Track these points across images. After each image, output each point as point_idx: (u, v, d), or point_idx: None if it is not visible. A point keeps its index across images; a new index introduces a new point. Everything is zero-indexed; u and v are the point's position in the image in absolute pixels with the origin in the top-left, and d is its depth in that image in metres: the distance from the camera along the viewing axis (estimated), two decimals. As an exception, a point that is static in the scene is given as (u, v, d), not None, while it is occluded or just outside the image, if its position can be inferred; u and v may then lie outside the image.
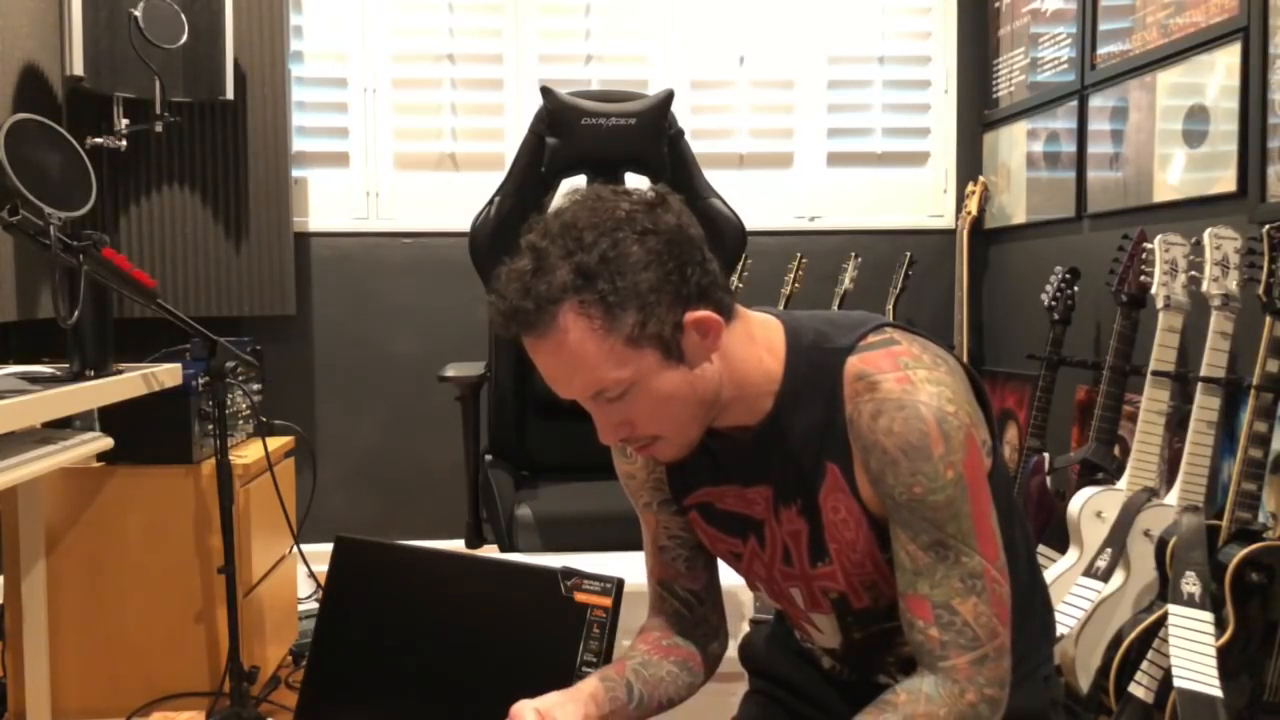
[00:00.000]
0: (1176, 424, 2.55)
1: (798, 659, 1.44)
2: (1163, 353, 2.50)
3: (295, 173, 3.73)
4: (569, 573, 1.42)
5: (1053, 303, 3.02)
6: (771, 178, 3.94)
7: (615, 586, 1.39)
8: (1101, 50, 3.11)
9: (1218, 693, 2.00)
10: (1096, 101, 3.14)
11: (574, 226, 1.11)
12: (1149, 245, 2.57)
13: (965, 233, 3.79)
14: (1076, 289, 3.02)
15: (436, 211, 3.80)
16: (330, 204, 3.81)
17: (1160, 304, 2.50)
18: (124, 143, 3.22)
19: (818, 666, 1.41)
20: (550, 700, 1.23)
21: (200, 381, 2.45)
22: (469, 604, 1.50)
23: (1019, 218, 3.65)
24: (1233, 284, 2.33)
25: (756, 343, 1.21)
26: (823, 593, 1.27)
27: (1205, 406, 2.31)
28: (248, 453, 2.65)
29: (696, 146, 2.75)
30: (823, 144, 3.96)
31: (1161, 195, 2.81)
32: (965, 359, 3.64)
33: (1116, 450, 2.72)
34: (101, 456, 2.33)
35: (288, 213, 3.62)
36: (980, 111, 3.93)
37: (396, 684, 1.52)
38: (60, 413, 1.94)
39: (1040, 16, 3.49)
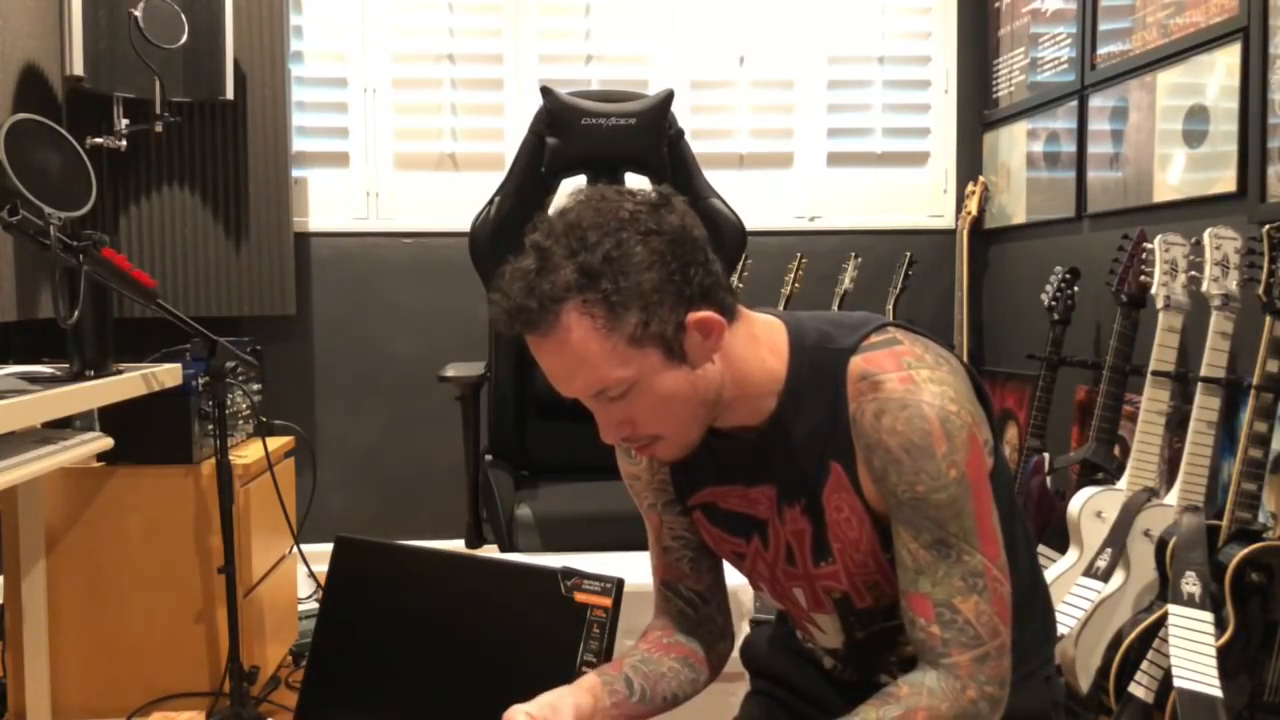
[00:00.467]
0: (1176, 424, 2.55)
1: (799, 659, 1.44)
2: (1163, 353, 2.50)
3: (295, 173, 3.73)
4: (569, 573, 1.42)
5: (1053, 303, 3.02)
6: (771, 178, 3.94)
7: (615, 586, 1.39)
8: (1101, 50, 3.11)
9: (1218, 693, 2.00)
10: (1096, 101, 3.14)
11: (578, 226, 1.11)
12: (1149, 245, 2.57)
13: (965, 233, 3.79)
14: (1076, 289, 3.02)
15: (436, 211, 3.80)
16: (330, 204, 3.81)
17: (1160, 304, 2.50)
18: (124, 143, 3.21)
19: (819, 667, 1.41)
20: (543, 699, 1.23)
21: (200, 381, 2.45)
22: (469, 604, 1.50)
23: (1019, 218, 3.65)
24: (1233, 284, 2.33)
25: (759, 343, 1.21)
26: (825, 592, 1.27)
27: (1205, 406, 2.31)
28: (248, 453, 2.65)
29: (696, 146, 2.75)
30: (823, 144, 3.96)
31: (1161, 195, 2.81)
32: (965, 359, 3.63)
33: (1116, 450, 2.72)
34: (101, 456, 2.33)
35: (288, 213, 3.62)
36: (980, 111, 3.93)
37: (396, 684, 1.52)
38: (60, 413, 1.94)
39: (1040, 16, 3.49)
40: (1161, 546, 2.21)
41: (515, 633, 1.44)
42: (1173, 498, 2.35)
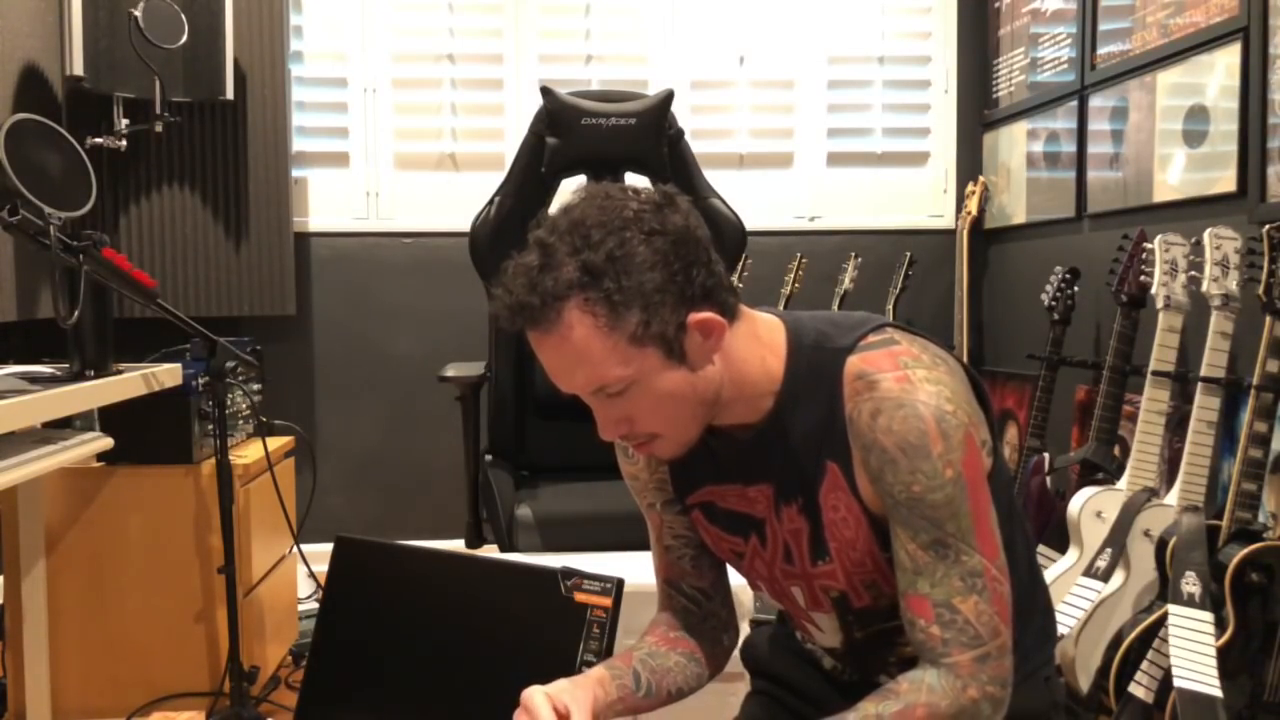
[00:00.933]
0: (1176, 424, 2.55)
1: (799, 659, 1.44)
2: (1163, 353, 2.50)
3: (295, 173, 3.73)
4: (569, 573, 1.42)
5: (1053, 303, 3.02)
6: (771, 178, 3.94)
7: (615, 586, 1.39)
8: (1101, 50, 3.11)
9: (1218, 693, 2.00)
10: (1096, 101, 3.14)
11: (582, 224, 1.12)
12: (1149, 245, 2.57)
13: (965, 233, 3.79)
14: (1076, 289, 3.02)
15: (436, 211, 3.80)
16: (330, 204, 3.81)
17: (1160, 304, 2.50)
18: (124, 143, 3.21)
19: (819, 667, 1.41)
20: (559, 685, 1.24)
21: (200, 381, 2.45)
22: (469, 604, 1.50)
23: (1019, 218, 3.65)
24: (1233, 284, 2.33)
25: (760, 342, 1.22)
26: (823, 591, 1.27)
27: (1205, 406, 2.31)
28: (248, 453, 2.65)
29: (696, 146, 2.75)
30: (823, 144, 3.96)
31: (1161, 195, 2.81)
32: (965, 359, 3.64)
33: (1116, 450, 2.72)
34: (101, 456, 2.33)
35: (288, 213, 3.62)
36: (980, 111, 3.93)
37: (396, 684, 1.52)
38: (60, 413, 1.94)
39: (1040, 16, 3.49)
40: (1161, 546, 2.22)
41: (515, 633, 1.44)
42: (1173, 498, 2.35)
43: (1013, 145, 3.69)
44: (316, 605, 1.83)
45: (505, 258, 1.16)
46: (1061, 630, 2.35)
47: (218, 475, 2.30)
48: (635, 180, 2.66)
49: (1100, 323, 3.09)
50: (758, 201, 3.79)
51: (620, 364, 1.12)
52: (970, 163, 3.97)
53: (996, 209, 3.82)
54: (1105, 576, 2.38)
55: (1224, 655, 2.04)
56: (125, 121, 3.19)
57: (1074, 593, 2.40)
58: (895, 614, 1.25)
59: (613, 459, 1.42)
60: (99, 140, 3.16)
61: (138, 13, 2.99)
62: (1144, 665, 2.17)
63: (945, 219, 3.99)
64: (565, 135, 2.59)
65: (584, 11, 3.88)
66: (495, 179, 2.71)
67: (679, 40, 3.88)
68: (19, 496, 2.27)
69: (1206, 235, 2.35)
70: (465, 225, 2.65)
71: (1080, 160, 3.22)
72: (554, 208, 1.19)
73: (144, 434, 2.42)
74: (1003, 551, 1.17)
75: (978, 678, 1.13)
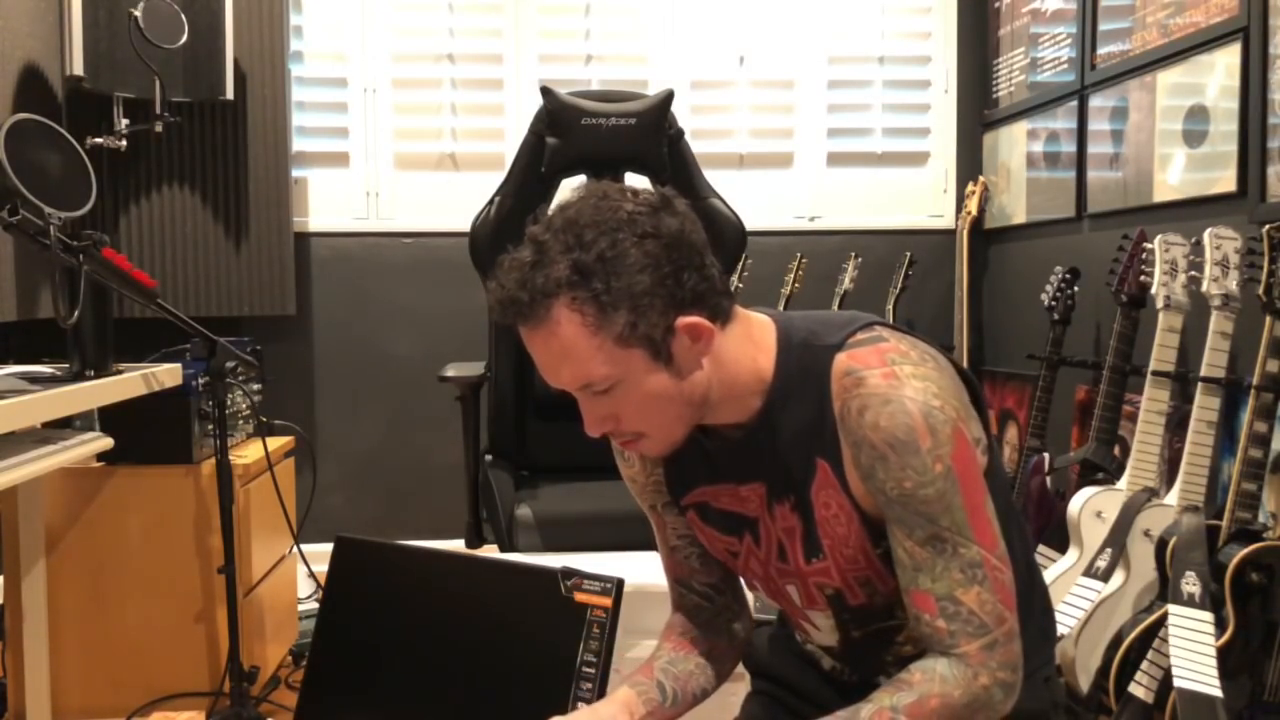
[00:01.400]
0: (1176, 424, 2.55)
1: (799, 660, 1.44)
2: (1163, 353, 2.50)
3: (295, 173, 3.73)
4: (569, 573, 1.42)
5: (1053, 303, 3.02)
6: (771, 178, 3.94)
7: (615, 586, 1.39)
8: (1101, 50, 3.11)
9: (1218, 693, 2.00)
10: (1096, 101, 3.14)
11: (576, 223, 1.13)
12: (1149, 245, 2.57)
13: (965, 233, 3.79)
14: (1076, 289, 3.02)
15: (436, 211, 3.80)
16: (330, 204, 3.81)
17: (1160, 304, 2.50)
18: (124, 143, 3.21)
19: (818, 667, 1.42)
20: (586, 714, 1.25)
21: (200, 381, 2.45)
22: (469, 604, 1.50)
23: (1019, 218, 3.65)
24: (1233, 284, 2.33)
25: (751, 343, 1.23)
26: (818, 589, 1.28)
27: (1205, 406, 2.31)
28: (248, 453, 2.65)
29: (696, 146, 2.75)
30: (823, 144, 3.96)
31: (1161, 195, 2.81)
32: (965, 359, 3.64)
33: (1116, 450, 2.72)
34: (101, 456, 2.33)
35: (288, 213, 3.62)
36: (980, 111, 3.93)
37: (396, 684, 1.52)
38: (60, 413, 1.94)
39: (1040, 16, 3.49)
40: (1161, 546, 2.21)
41: (515, 633, 1.44)
42: (1173, 498, 2.35)
43: (1013, 145, 3.69)
44: (316, 605, 1.83)
45: (509, 246, 1.17)
46: (1061, 630, 2.35)
47: (218, 475, 2.30)
48: (635, 180, 2.66)
49: (1100, 323, 3.09)
50: (758, 201, 3.79)
51: (605, 363, 1.13)
52: (970, 163, 3.97)
53: (996, 209, 3.82)
54: (1105, 576, 2.38)
55: (1224, 655, 2.04)
56: (125, 121, 3.19)
57: (1074, 593, 2.40)
58: (892, 613, 1.27)
59: (613, 459, 1.42)
60: (99, 140, 3.16)
61: (138, 13, 2.99)
62: (1144, 665, 2.17)
63: (945, 219, 3.99)
64: (565, 135, 2.59)
65: (584, 11, 3.88)
66: (495, 179, 2.71)
67: (679, 40, 3.88)
68: (19, 496, 2.27)
69: (1206, 235, 2.35)
70: (465, 225, 2.65)
71: (1080, 160, 3.22)
72: (554, 204, 1.20)
73: (144, 434, 2.42)
74: (1001, 540, 1.17)
75: (987, 665, 1.14)
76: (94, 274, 1.98)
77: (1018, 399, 3.57)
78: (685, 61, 3.87)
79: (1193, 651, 2.05)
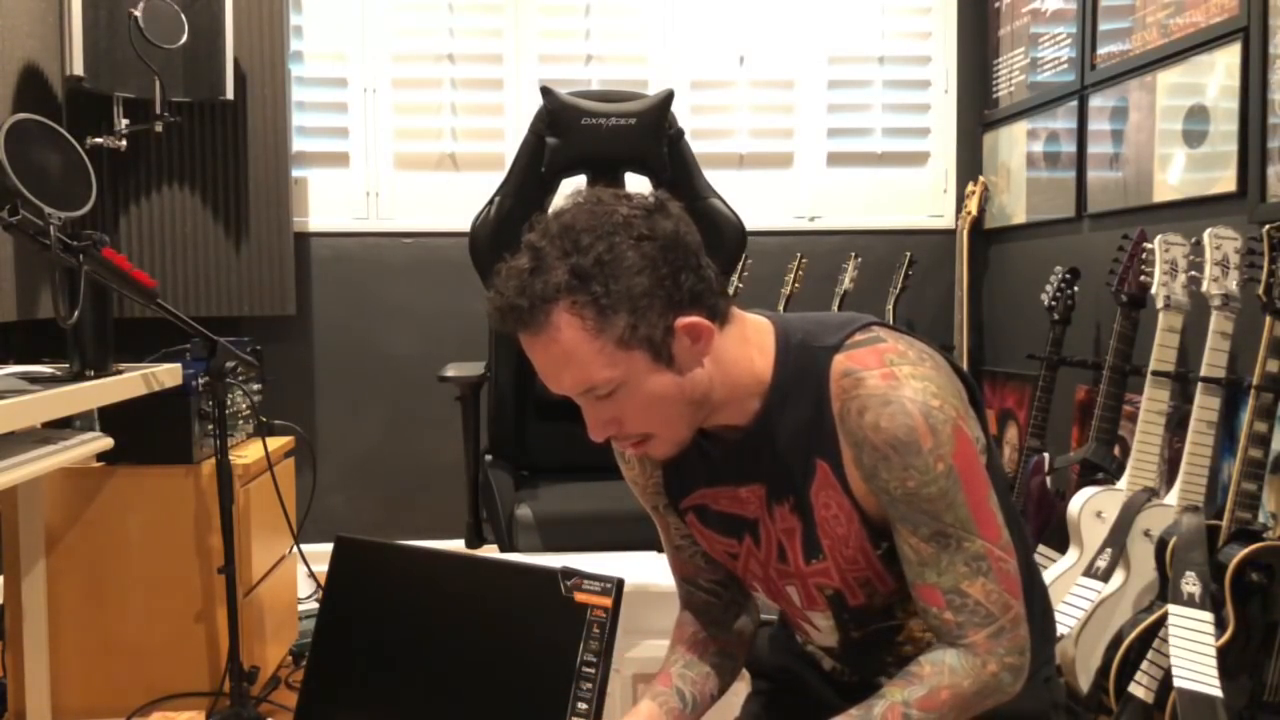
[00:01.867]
0: (1176, 424, 2.55)
1: (799, 660, 1.45)
2: (1163, 353, 2.50)
3: (295, 173, 3.73)
4: (569, 573, 1.42)
5: (1053, 303, 3.02)
6: (771, 178, 3.94)
7: (615, 586, 1.39)
8: (1101, 50, 3.11)
9: (1218, 693, 2.00)
10: (1096, 101, 3.14)
11: (572, 228, 1.13)
12: (1149, 245, 2.57)
13: (965, 233, 3.79)
14: (1076, 289, 3.02)
15: (436, 211, 3.80)
16: (330, 204, 3.81)
17: (1160, 304, 2.50)
18: (124, 143, 3.21)
19: (818, 668, 1.42)
20: None
21: (200, 381, 2.45)
22: (469, 604, 1.50)
23: (1019, 218, 3.65)
24: (1233, 284, 2.33)
25: (749, 344, 1.23)
26: (818, 589, 1.28)
27: (1205, 406, 2.31)
28: (248, 453, 2.65)
29: (696, 146, 2.75)
30: (823, 144, 3.96)
31: (1161, 195, 2.81)
32: (965, 359, 3.65)
33: (1116, 450, 2.72)
34: (101, 456, 2.33)
35: (288, 213, 3.62)
36: (980, 111, 3.93)
37: (396, 684, 1.52)
38: (60, 413, 1.94)
39: (1040, 16, 3.48)
40: (1161, 546, 2.21)
41: (515, 633, 1.44)
42: (1173, 498, 2.35)
43: (1013, 145, 3.69)
44: (316, 605, 1.83)
45: (506, 254, 1.17)
46: (1061, 630, 2.35)
47: (218, 475, 2.30)
48: (635, 180, 2.66)
49: (1100, 323, 3.09)
50: (758, 201, 3.78)
51: (607, 366, 1.13)
52: (970, 163, 3.97)
53: (996, 209, 3.82)
54: (1105, 576, 2.38)
55: (1224, 655, 2.04)
56: (125, 121, 3.19)
57: (1074, 593, 2.40)
58: (891, 613, 1.27)
59: (613, 459, 1.42)
60: (99, 140, 3.16)
61: (138, 13, 2.99)
62: (1144, 665, 2.17)
63: (945, 219, 3.99)
64: (565, 135, 2.59)
65: (584, 11, 3.88)
66: (495, 179, 2.71)
67: (679, 40, 3.88)
68: (19, 496, 2.27)
69: (1206, 235, 2.35)
70: (465, 225, 2.65)
71: (1080, 160, 3.22)
72: (549, 211, 1.20)
73: (144, 434, 2.42)
74: (1005, 530, 1.19)
75: (995, 652, 1.16)
76: (94, 274, 1.98)
77: (1018, 399, 3.57)
78: (685, 61, 3.87)
79: (1193, 651, 2.05)
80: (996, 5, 3.82)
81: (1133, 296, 2.67)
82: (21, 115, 1.95)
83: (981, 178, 3.87)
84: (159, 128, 3.17)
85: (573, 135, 2.59)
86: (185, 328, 2.28)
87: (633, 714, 1.33)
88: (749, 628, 1.45)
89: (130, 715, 2.43)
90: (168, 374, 2.27)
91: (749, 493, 1.28)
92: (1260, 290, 2.17)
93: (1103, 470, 2.69)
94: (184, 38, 3.12)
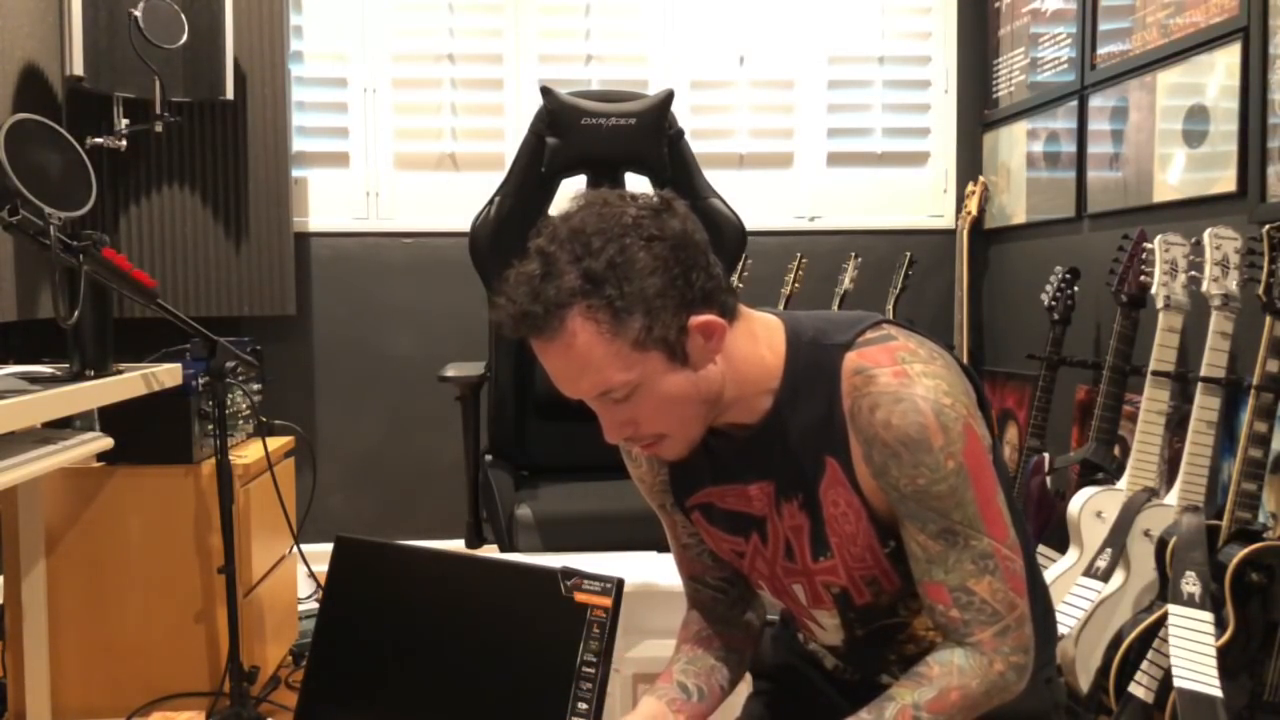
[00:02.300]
0: (1176, 424, 2.55)
1: (801, 660, 1.45)
2: (1163, 353, 2.50)
3: (295, 173, 3.73)
4: (569, 573, 1.42)
5: (1053, 303, 3.02)
6: (771, 178, 3.94)
7: (615, 586, 1.39)
8: (1101, 50, 3.11)
9: (1218, 693, 2.00)
10: (1096, 101, 3.14)
11: (582, 232, 1.12)
12: (1149, 245, 2.57)
13: (965, 233, 3.79)
14: (1076, 289, 3.01)
15: (436, 211, 3.80)
16: (330, 204, 3.81)
17: (1160, 304, 2.50)
18: (124, 143, 3.21)
19: (821, 667, 1.42)
20: None
21: (200, 381, 2.45)
22: (469, 604, 1.50)
23: (1019, 218, 3.65)
24: (1233, 284, 2.33)
25: (759, 342, 1.23)
26: (825, 587, 1.28)
27: (1205, 406, 2.31)
28: (248, 453, 2.65)
29: (696, 146, 2.75)
30: (823, 144, 3.96)
31: (1161, 195, 2.81)
32: (965, 359, 3.64)
33: (1116, 450, 2.72)
34: (101, 456, 2.33)
35: (288, 213, 3.62)
36: (980, 111, 3.93)
37: (396, 684, 1.52)
38: (60, 413, 1.94)
39: (1040, 16, 3.49)
40: (1161, 546, 2.21)
41: (515, 633, 1.44)
42: (1173, 498, 2.34)
43: (1013, 145, 3.69)
44: (316, 605, 1.83)
45: (505, 258, 1.17)
46: (1061, 630, 2.35)
47: (218, 475, 2.30)
48: (635, 181, 2.66)
49: (1100, 323, 3.09)
50: (758, 201, 3.79)
51: (624, 369, 1.13)
52: (970, 163, 3.97)
53: (996, 209, 3.82)
54: (1105, 576, 2.38)
55: (1224, 655, 2.04)
56: (125, 121, 3.19)
57: (1074, 593, 2.40)
58: (895, 611, 1.27)
59: (613, 458, 1.42)
60: (99, 140, 3.15)
61: (138, 13, 2.99)
62: (1144, 665, 2.17)
63: (945, 219, 3.99)
64: (565, 135, 2.59)
65: (584, 11, 3.88)
66: (495, 179, 2.71)
67: (679, 40, 3.88)
68: (19, 496, 2.27)
69: (1206, 235, 2.35)
70: (465, 225, 2.65)
71: (1080, 160, 3.22)
72: (553, 212, 1.19)
73: (144, 434, 2.42)
74: (1012, 529, 1.19)
75: (1000, 651, 1.17)
76: (94, 274, 1.98)
77: (1018, 399, 3.57)
78: (685, 61, 3.87)
79: (1193, 651, 2.05)
80: (996, 5, 3.82)
81: (1133, 296, 2.67)
82: (21, 115, 1.95)
83: (981, 178, 3.87)
84: (159, 128, 3.17)
85: (573, 135, 2.59)
86: (185, 328, 2.28)
87: (634, 714, 1.32)
88: (755, 624, 1.45)
89: (130, 715, 2.43)
90: (168, 374, 2.27)
91: (757, 490, 1.28)
92: (1260, 290, 2.17)
93: (1103, 470, 2.69)
94: (184, 38, 3.12)
